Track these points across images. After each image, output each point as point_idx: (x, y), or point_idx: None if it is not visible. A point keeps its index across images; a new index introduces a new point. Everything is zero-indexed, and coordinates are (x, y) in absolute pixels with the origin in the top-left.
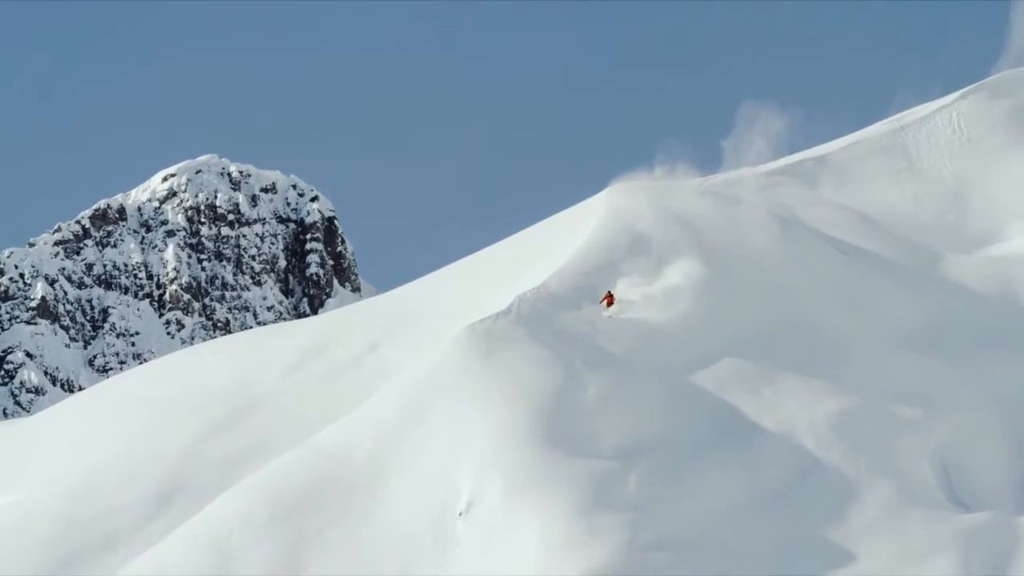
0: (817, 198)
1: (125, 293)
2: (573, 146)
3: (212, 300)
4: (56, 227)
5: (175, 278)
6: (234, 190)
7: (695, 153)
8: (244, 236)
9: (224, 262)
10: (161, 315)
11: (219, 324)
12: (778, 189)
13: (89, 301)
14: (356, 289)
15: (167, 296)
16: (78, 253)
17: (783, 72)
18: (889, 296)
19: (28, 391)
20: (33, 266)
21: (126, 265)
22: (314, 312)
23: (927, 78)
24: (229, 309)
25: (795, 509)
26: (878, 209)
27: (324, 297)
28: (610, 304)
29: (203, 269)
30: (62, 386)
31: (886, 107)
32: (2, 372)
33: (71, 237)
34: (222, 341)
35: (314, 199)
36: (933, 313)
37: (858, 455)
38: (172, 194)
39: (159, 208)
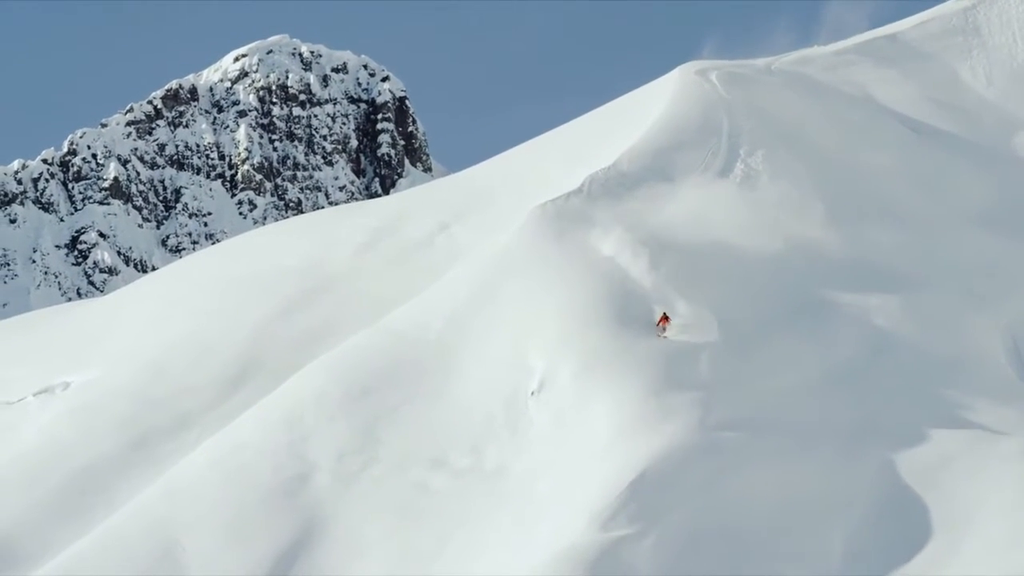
0: (888, 77)
1: (197, 173)
2: (646, 25)
3: (284, 180)
4: (128, 107)
5: (247, 158)
6: (305, 70)
7: (766, 33)
8: (315, 116)
9: (296, 142)
10: (233, 195)
11: (291, 204)
12: (849, 68)
13: (162, 181)
14: (427, 169)
15: (239, 176)
16: (150, 133)
17: None
18: (961, 174)
19: (102, 271)
20: (106, 147)
21: (198, 145)
22: (385, 192)
23: None
24: (301, 189)
25: (867, 388)
26: (949, 87)
27: (395, 177)
28: (665, 325)
29: (275, 149)
30: (135, 266)
31: None
32: (76, 252)
33: (143, 118)
34: (294, 221)
35: (385, 79)
36: (1005, 191)
37: (930, 333)
38: (243, 74)
39: (231, 88)
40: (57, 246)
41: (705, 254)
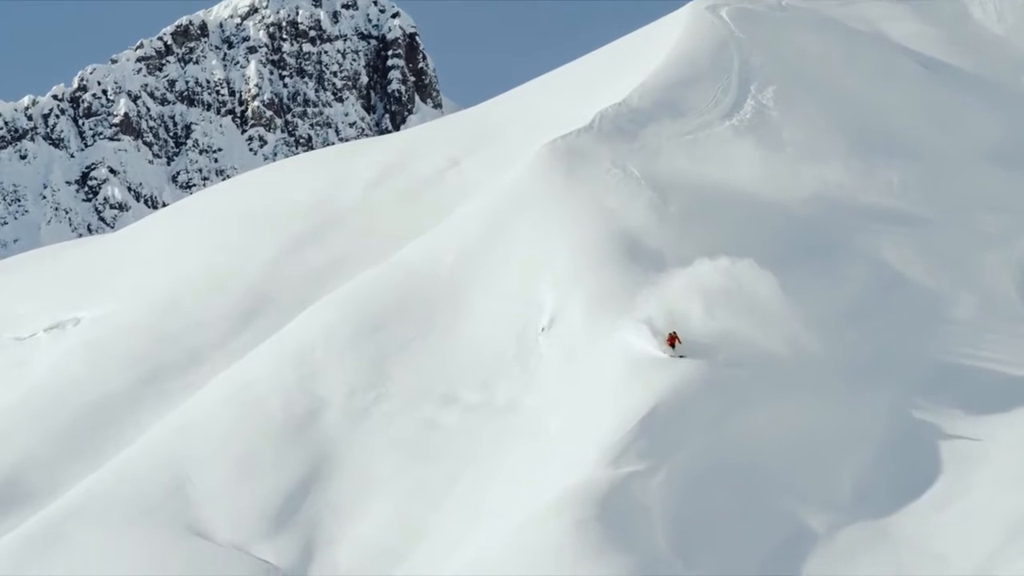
0: (899, 13)
1: (208, 109)
2: None
3: (294, 116)
4: (138, 43)
5: (257, 94)
6: (315, 6)
7: None
8: (326, 52)
9: (306, 78)
10: (243, 131)
11: (301, 140)
12: (860, 4)
13: (172, 117)
14: (438, 105)
15: (249, 112)
16: (160, 69)
17: None
18: (973, 111)
19: (112, 207)
20: (116, 82)
21: (208, 81)
22: (396, 128)
23: None
24: (311, 125)
25: (878, 324)
26: (960, 24)
27: (406, 113)
28: (673, 344)
29: (285, 85)
30: (146, 202)
31: None
32: (86, 188)
33: (153, 53)
34: (304, 157)
35: (395, 15)
36: (1016, 127)
37: (940, 269)
38: (253, 10)
39: (241, 24)
40: (68, 182)
41: (715, 191)
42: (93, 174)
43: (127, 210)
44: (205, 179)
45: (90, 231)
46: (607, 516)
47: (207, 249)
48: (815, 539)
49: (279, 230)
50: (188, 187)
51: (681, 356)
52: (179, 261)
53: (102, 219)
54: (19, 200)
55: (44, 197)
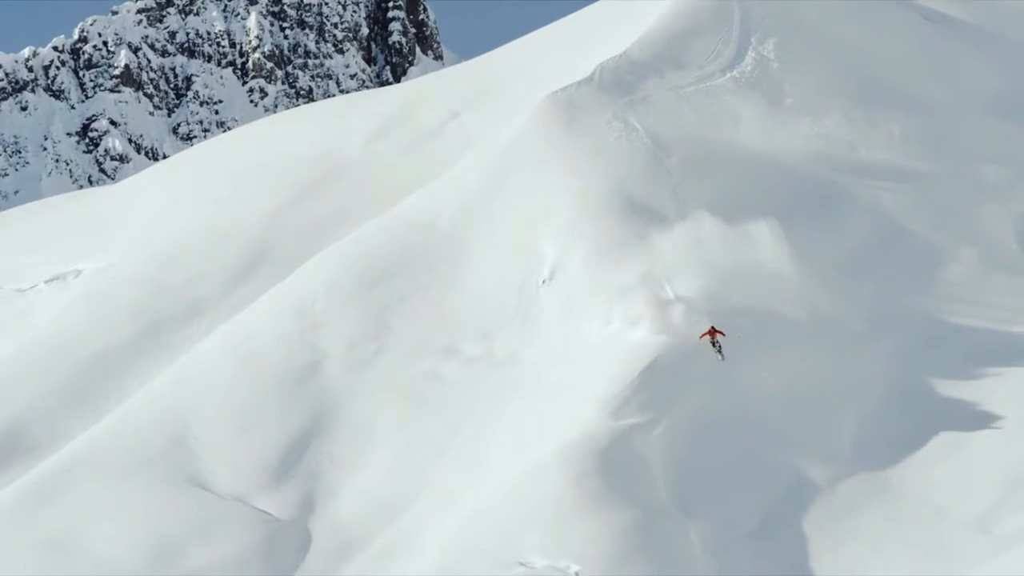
0: None
1: (208, 61)
2: None
3: (295, 68)
4: None
5: (258, 46)
6: None
7: None
8: (326, 4)
9: (307, 30)
10: (244, 83)
11: (302, 92)
12: None
13: (172, 69)
14: (439, 57)
15: (250, 64)
16: (161, 21)
17: None
18: (974, 61)
19: (113, 159)
20: (116, 34)
21: (209, 33)
22: (397, 80)
23: None
24: (312, 77)
25: (879, 276)
26: None
27: (407, 65)
28: (713, 338)
29: (285, 37)
30: (146, 154)
31: None
32: (87, 140)
33: (154, 5)
34: (305, 109)
35: None
36: (1018, 79)
37: (941, 221)
38: None
39: None
40: (68, 134)
41: (716, 143)
42: (94, 126)
43: (128, 162)
44: (206, 131)
45: (91, 183)
46: (607, 468)
47: (208, 201)
48: (816, 491)
49: (280, 182)
50: (189, 139)
51: (720, 351)
52: (180, 213)
53: (103, 171)
54: (20, 152)
55: (45, 149)
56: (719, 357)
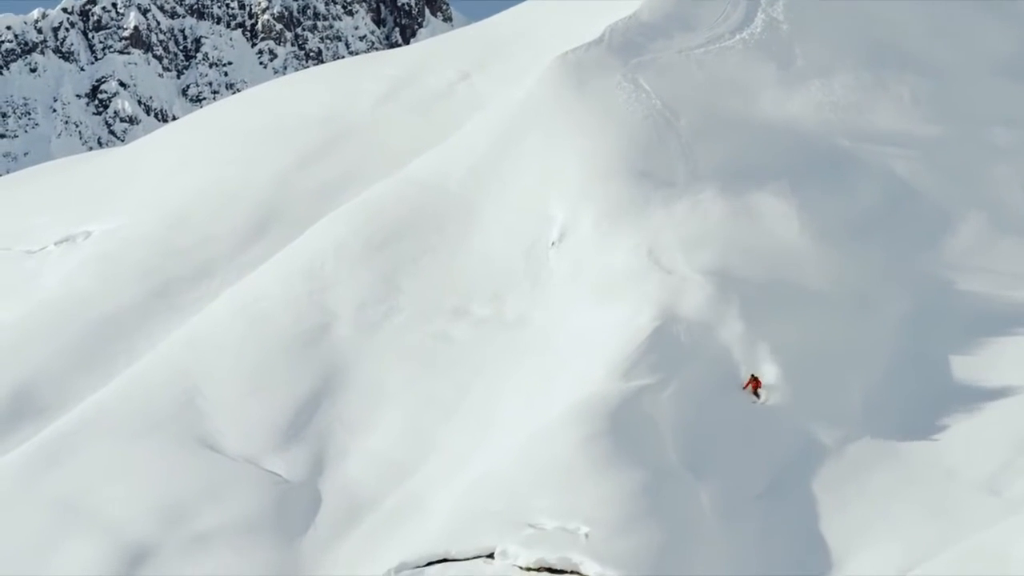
0: None
1: (217, 23)
2: None
3: (304, 30)
4: None
5: (267, 8)
6: None
7: None
8: None
9: None
10: (253, 45)
11: (311, 54)
12: None
13: (182, 31)
14: (448, 19)
15: (259, 26)
16: None
17: None
18: (984, 25)
19: (122, 120)
20: None
21: None
22: (406, 42)
23: None
24: (321, 39)
25: (888, 238)
26: None
27: (416, 27)
28: (756, 388)
29: None
30: (156, 115)
31: None
32: (96, 102)
33: None
34: (314, 71)
35: None
36: None
37: (950, 184)
38: None
39: None
40: (78, 95)
41: (724, 105)
42: (103, 87)
43: (137, 124)
44: (215, 93)
45: (100, 145)
46: (617, 429)
47: (217, 163)
48: (825, 453)
49: (289, 144)
50: (198, 101)
51: (763, 402)
52: (189, 175)
53: (112, 133)
54: (29, 113)
55: (54, 111)
56: (756, 400)
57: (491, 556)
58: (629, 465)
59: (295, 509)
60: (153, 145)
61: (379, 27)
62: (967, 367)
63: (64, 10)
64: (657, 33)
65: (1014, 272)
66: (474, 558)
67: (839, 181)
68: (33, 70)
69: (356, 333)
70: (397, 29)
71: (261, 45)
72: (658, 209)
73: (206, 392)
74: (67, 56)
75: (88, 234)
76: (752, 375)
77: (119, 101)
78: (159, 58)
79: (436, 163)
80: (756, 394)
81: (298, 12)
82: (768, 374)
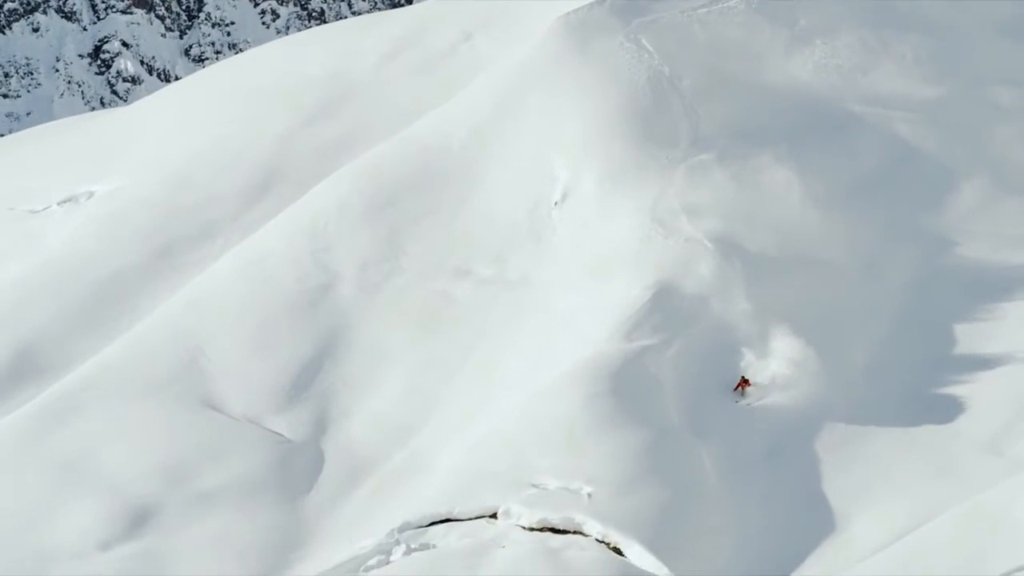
0: None
1: None
2: None
3: None
4: None
5: None
6: None
7: None
8: None
9: None
10: (256, 5)
11: (314, 14)
12: None
13: None
14: None
15: None
16: None
17: None
18: None
19: (125, 80)
20: None
21: None
22: (409, 2)
23: None
24: None
25: (890, 198)
26: None
27: None
28: (744, 387)
29: None
30: (158, 75)
31: None
32: (99, 62)
33: None
34: (317, 31)
35: None
36: None
37: (954, 143)
38: None
39: None
40: (80, 55)
41: (728, 65)
42: (106, 47)
43: (140, 84)
44: (218, 53)
45: (103, 104)
46: (620, 390)
47: (219, 123)
48: (827, 416)
49: (292, 104)
50: (201, 61)
51: (747, 403)
52: (192, 135)
53: (115, 92)
54: (32, 73)
55: (57, 70)
56: (740, 400)
57: (494, 516)
58: (632, 425)
59: (298, 469)
60: (155, 105)
61: None
62: (970, 329)
63: None
64: None
65: (1015, 233)
66: (477, 518)
67: (842, 140)
68: (35, 30)
69: (359, 293)
70: None
71: (264, 5)
72: (661, 170)
73: (209, 352)
74: (69, 16)
75: (91, 194)
76: (743, 376)
77: (122, 61)
78: (161, 18)
79: (439, 123)
80: (743, 393)
81: None
82: (778, 348)
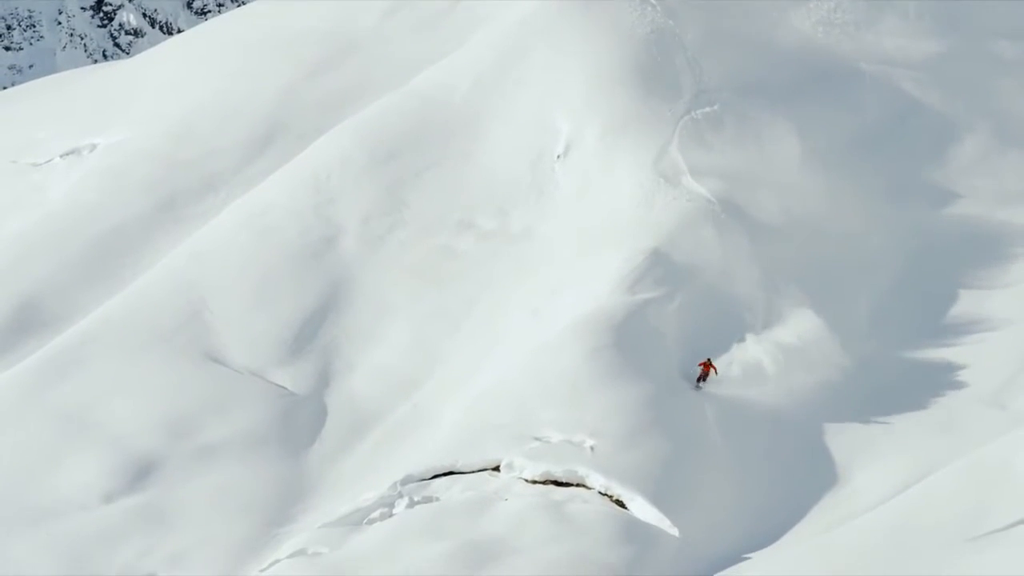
0: None
1: None
2: None
3: None
4: None
5: None
6: None
7: None
8: None
9: None
10: None
11: None
12: None
13: None
14: None
15: None
16: None
17: None
18: None
19: (127, 33)
20: None
21: None
22: None
23: None
24: None
25: (895, 151)
26: None
27: None
28: (706, 372)
29: None
30: (161, 28)
31: None
32: (100, 14)
33: None
34: None
35: None
36: None
37: (956, 96)
38: None
39: None
40: (82, 8)
41: (730, 20)
42: (108, 0)
43: (142, 36)
44: (220, 5)
45: (105, 57)
46: (623, 342)
47: (222, 76)
48: (829, 371)
49: (294, 57)
50: (203, 14)
51: (700, 384)
52: (194, 88)
53: (117, 45)
54: (34, 26)
55: (59, 23)
56: (698, 386)
57: (497, 469)
58: (635, 378)
59: (301, 422)
60: (158, 58)
61: None
62: (972, 280)
63: None
64: None
65: (1017, 186)
66: (480, 471)
67: (844, 94)
68: None
69: (361, 246)
70: None
71: None
72: (663, 123)
73: (212, 305)
74: None
75: (94, 147)
76: (708, 359)
77: (124, 14)
78: None
79: (441, 76)
80: (703, 378)
81: None
82: (785, 318)
